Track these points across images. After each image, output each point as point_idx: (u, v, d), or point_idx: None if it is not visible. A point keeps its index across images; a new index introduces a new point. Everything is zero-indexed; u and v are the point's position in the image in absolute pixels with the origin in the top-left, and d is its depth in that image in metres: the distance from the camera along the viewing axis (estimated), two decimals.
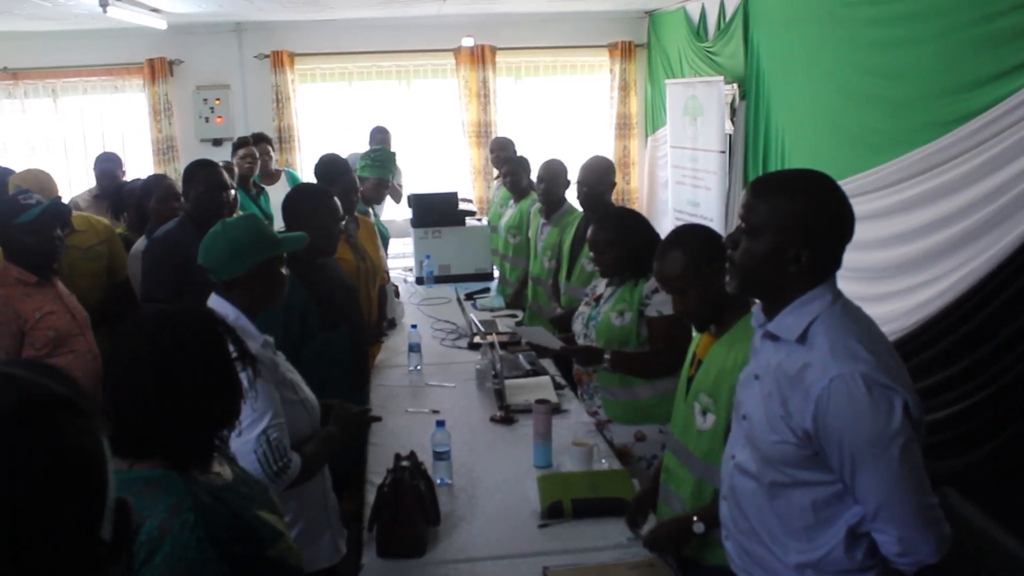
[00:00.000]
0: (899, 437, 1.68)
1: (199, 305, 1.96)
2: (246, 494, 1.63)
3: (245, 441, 2.13)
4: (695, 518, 2.29)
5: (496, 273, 6.21)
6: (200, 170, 3.78)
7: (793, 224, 1.79)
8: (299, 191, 3.48)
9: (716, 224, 6.47)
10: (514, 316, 5.14)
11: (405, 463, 2.65)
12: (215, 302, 2.34)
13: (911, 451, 1.70)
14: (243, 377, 1.68)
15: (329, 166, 4.31)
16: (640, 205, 8.74)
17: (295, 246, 2.53)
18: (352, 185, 4.15)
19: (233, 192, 3.98)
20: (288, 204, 3.35)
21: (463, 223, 6.28)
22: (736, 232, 1.89)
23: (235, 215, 3.86)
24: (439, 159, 8.71)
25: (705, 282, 2.45)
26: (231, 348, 1.65)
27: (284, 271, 2.48)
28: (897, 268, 4.29)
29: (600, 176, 4.32)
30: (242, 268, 2.36)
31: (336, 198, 3.42)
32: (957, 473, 3.59)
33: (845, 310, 1.83)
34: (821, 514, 1.82)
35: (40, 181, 4.21)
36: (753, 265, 1.85)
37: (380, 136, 7.06)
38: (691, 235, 2.65)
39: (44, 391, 0.80)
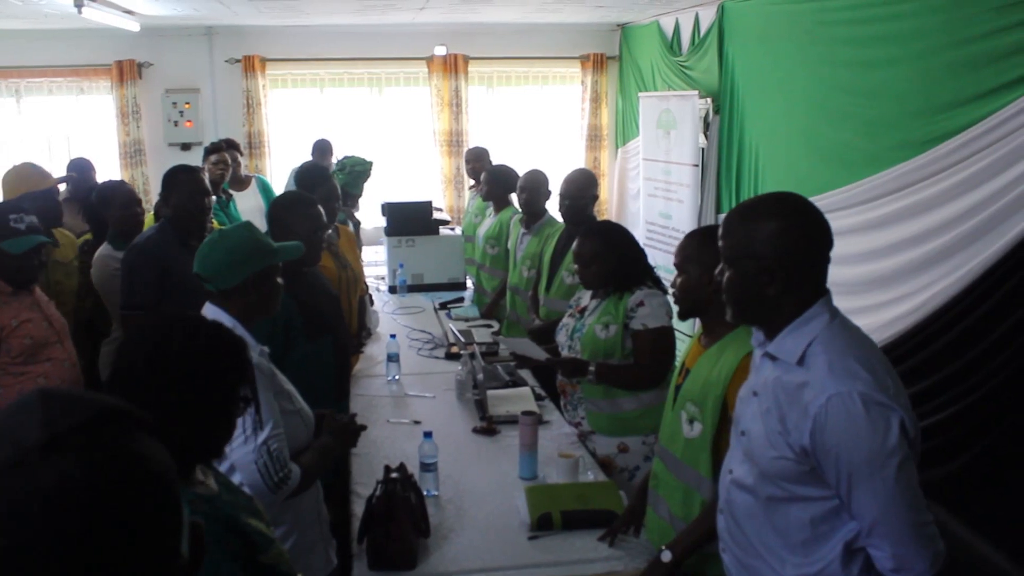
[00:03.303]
0: (895, 455, 1.72)
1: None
2: (232, 502, 1.63)
3: (246, 452, 2.12)
4: (663, 547, 2.31)
5: (469, 283, 6.22)
6: (182, 175, 3.75)
7: (761, 247, 1.84)
8: (285, 199, 3.46)
9: None
10: (489, 326, 5.14)
11: (395, 474, 2.64)
12: (211, 311, 2.32)
13: (907, 469, 1.74)
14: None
15: (309, 173, 4.29)
16: (610, 216, 8.78)
17: (292, 255, 2.52)
18: (333, 193, 4.13)
19: (214, 198, 3.94)
20: (274, 212, 3.32)
21: (437, 232, 6.28)
22: (720, 268, 1.96)
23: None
24: (410, 167, 8.69)
25: (707, 270, 2.42)
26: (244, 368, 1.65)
27: (280, 280, 2.46)
28: (870, 284, 4.36)
29: (582, 189, 4.36)
30: (239, 277, 2.34)
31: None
32: (930, 484, 3.65)
33: (843, 328, 1.87)
34: (818, 529, 1.85)
35: (32, 177, 4.18)
36: (736, 293, 1.92)
37: (323, 147, 7.02)
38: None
39: (115, 407, 0.80)
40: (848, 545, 1.83)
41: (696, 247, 2.52)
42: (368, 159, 5.64)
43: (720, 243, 1.95)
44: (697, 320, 2.60)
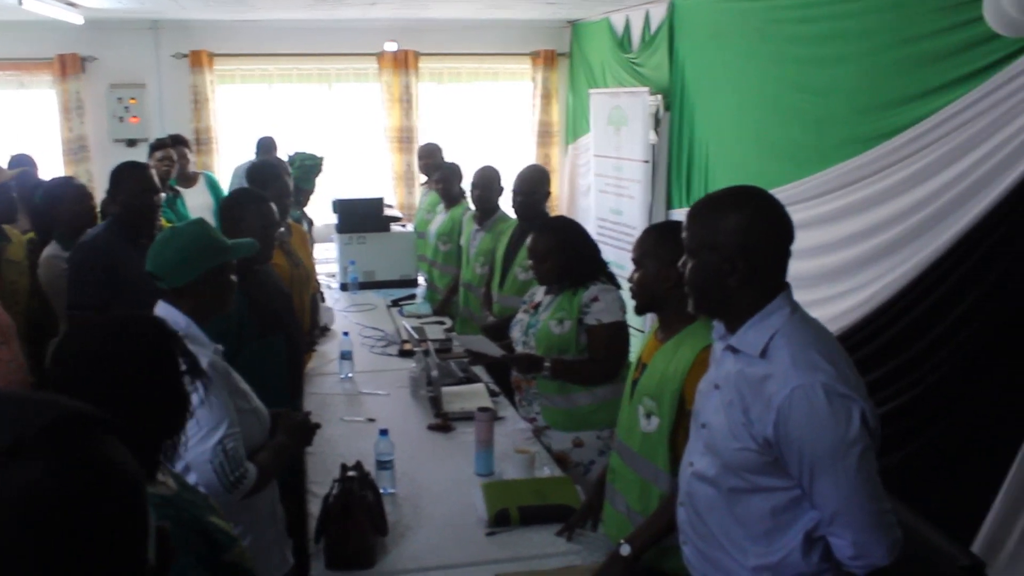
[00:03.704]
0: (857, 445, 1.75)
1: (144, 313, 1.91)
2: (193, 501, 1.61)
3: (201, 451, 2.09)
4: (622, 541, 2.32)
5: (421, 280, 6.19)
6: (131, 172, 3.67)
7: (724, 238, 1.86)
8: (237, 196, 3.41)
9: (639, 232, 6.55)
10: (442, 323, 5.12)
11: (352, 473, 2.62)
12: (163, 310, 2.28)
13: (867, 459, 1.77)
14: (194, 392, 1.64)
15: (261, 170, 4.23)
16: (561, 212, 8.79)
17: (246, 252, 2.49)
18: (285, 190, 4.08)
19: (163, 195, 3.88)
20: (225, 209, 3.28)
21: (388, 229, 6.24)
22: (683, 260, 1.99)
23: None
24: (360, 164, 8.62)
25: (664, 265, 2.44)
26: (181, 362, 1.61)
27: (234, 278, 2.43)
28: (819, 278, 4.43)
29: (535, 185, 4.37)
30: (193, 274, 2.30)
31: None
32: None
33: (804, 321, 1.89)
34: (779, 519, 1.87)
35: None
36: (697, 283, 1.94)
37: (267, 145, 6.95)
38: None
39: (79, 409, 0.78)
40: (809, 534, 1.85)
41: (653, 242, 2.53)
42: (319, 154, 5.59)
43: (684, 234, 1.97)
44: (649, 316, 2.62)
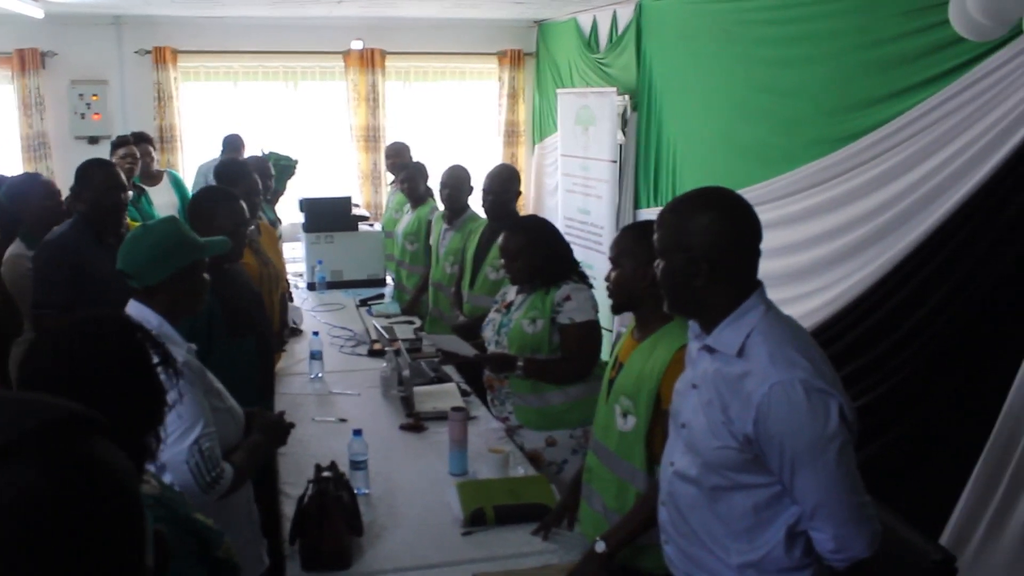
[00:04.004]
0: (836, 440, 1.77)
1: (109, 310, 1.88)
2: (178, 500, 1.59)
3: (177, 452, 2.06)
4: (598, 538, 2.33)
5: (389, 279, 6.17)
6: (97, 169, 3.61)
7: (691, 239, 1.89)
8: (205, 193, 3.38)
9: (606, 232, 6.60)
10: (411, 323, 5.10)
11: (327, 473, 2.60)
12: (135, 308, 2.24)
13: (846, 453, 1.80)
14: (170, 385, 1.62)
15: (230, 168, 4.19)
16: (527, 212, 8.80)
17: (219, 250, 2.46)
18: (255, 188, 4.04)
19: (131, 193, 3.82)
20: (195, 207, 3.24)
21: (356, 228, 6.22)
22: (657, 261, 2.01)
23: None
24: (326, 163, 8.56)
25: (641, 264, 2.45)
26: (152, 354, 1.59)
27: (207, 276, 2.40)
28: (786, 277, 4.47)
29: (505, 184, 4.37)
30: (165, 273, 2.27)
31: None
32: None
33: (779, 319, 1.92)
34: (761, 515, 1.89)
35: None
36: (667, 284, 1.97)
37: (234, 142, 6.88)
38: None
39: (71, 409, 0.75)
40: (790, 529, 1.87)
41: (631, 241, 2.54)
42: (294, 157, 5.55)
43: (655, 236, 1.99)
44: (618, 315, 2.63)
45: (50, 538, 0.68)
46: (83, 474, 0.72)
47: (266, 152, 5.55)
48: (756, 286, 1.94)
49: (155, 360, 1.59)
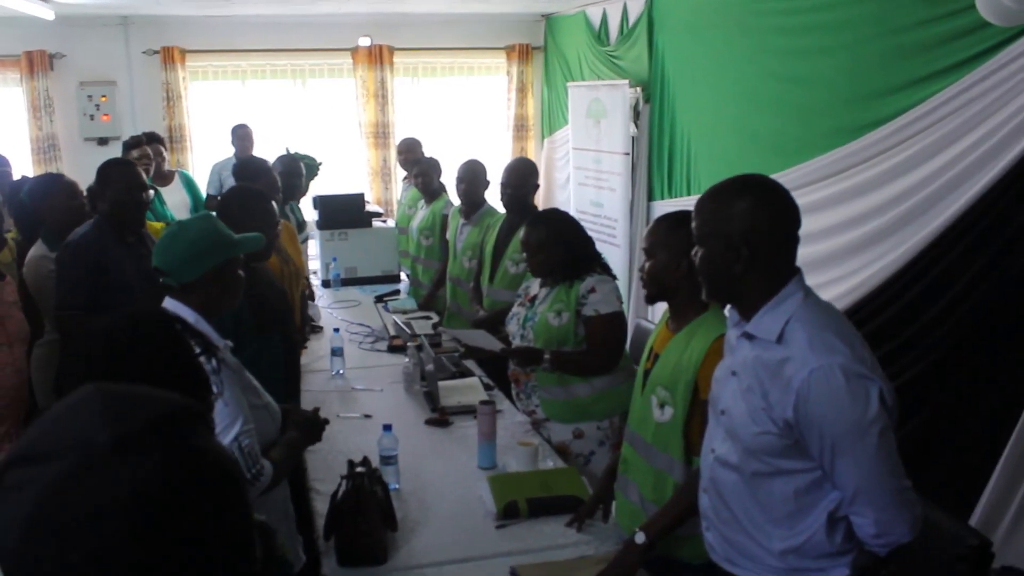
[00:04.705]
0: (876, 424, 1.77)
1: (150, 307, 1.88)
2: None
3: None
4: (637, 529, 2.32)
5: (403, 275, 6.17)
6: (118, 169, 3.62)
7: (729, 226, 1.89)
8: (236, 192, 3.38)
9: (620, 224, 6.60)
10: (428, 318, 5.11)
11: (360, 469, 2.60)
12: (171, 306, 2.24)
13: (887, 437, 1.80)
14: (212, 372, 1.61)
15: (249, 166, 4.19)
16: (538, 205, 8.80)
17: (254, 247, 2.46)
18: (274, 185, 4.05)
19: (152, 192, 3.82)
20: (225, 206, 3.23)
21: (370, 225, 6.23)
22: (695, 249, 2.02)
23: None
24: (336, 160, 8.55)
25: (675, 255, 2.45)
26: (193, 343, 1.58)
27: (241, 273, 2.40)
28: (805, 267, 4.42)
29: (524, 178, 4.37)
30: (201, 270, 2.27)
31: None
32: None
33: (817, 305, 1.92)
34: (802, 501, 1.89)
35: None
36: (706, 271, 1.98)
37: (243, 133, 6.89)
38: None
39: (180, 403, 0.76)
40: (831, 515, 1.88)
41: (665, 232, 2.53)
42: (318, 159, 5.57)
43: (693, 223, 1.99)
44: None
45: (168, 529, 0.69)
46: (197, 466, 0.72)
47: (291, 152, 5.54)
48: (795, 272, 1.95)
49: (197, 351, 1.58)
